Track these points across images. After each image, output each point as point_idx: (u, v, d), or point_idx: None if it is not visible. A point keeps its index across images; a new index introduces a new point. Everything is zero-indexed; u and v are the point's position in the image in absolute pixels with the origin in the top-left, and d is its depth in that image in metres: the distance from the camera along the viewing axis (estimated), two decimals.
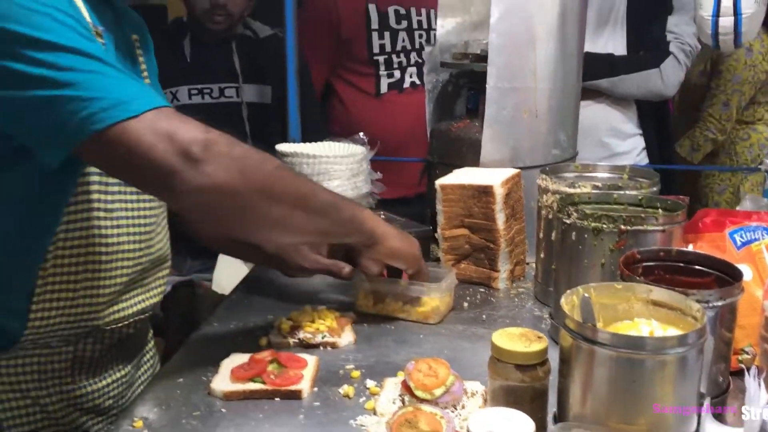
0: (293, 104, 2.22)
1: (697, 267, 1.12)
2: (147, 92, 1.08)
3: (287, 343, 1.31)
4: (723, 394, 1.09)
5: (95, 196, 1.21)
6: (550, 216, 1.44)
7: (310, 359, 1.22)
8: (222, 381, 1.16)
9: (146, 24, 1.41)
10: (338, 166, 1.78)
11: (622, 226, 1.20)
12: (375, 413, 1.08)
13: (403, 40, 2.69)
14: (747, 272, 1.18)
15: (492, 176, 1.57)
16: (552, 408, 0.99)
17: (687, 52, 2.52)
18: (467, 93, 1.87)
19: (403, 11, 2.69)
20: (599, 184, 1.48)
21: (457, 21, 1.89)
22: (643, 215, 1.24)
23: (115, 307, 1.28)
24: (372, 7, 2.66)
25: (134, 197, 1.27)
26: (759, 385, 0.91)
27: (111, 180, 1.22)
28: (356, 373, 1.20)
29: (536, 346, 0.97)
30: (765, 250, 1.23)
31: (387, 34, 2.67)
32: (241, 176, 1.08)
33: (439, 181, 1.59)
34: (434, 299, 1.40)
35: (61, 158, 1.06)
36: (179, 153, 1.03)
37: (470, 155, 1.74)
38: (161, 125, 1.04)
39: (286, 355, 1.22)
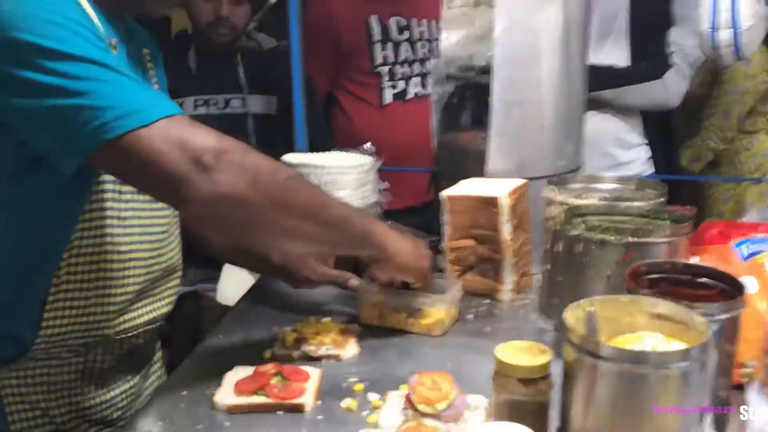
0: (300, 114, 2.23)
1: (702, 280, 1.11)
2: (160, 100, 1.09)
3: (291, 356, 1.31)
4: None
5: (109, 204, 1.22)
6: (557, 227, 1.43)
7: (314, 372, 1.22)
8: (226, 394, 1.16)
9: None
10: (346, 176, 1.79)
11: (629, 238, 1.20)
12: (377, 427, 1.07)
13: (406, 51, 2.70)
14: (753, 284, 1.18)
15: (498, 187, 1.56)
16: (554, 422, 0.99)
17: (690, 63, 2.52)
18: (473, 104, 1.87)
19: (404, 22, 2.70)
20: (606, 195, 1.48)
21: (461, 34, 1.89)
22: (650, 227, 1.24)
23: (126, 316, 1.28)
24: (373, 19, 2.66)
25: (147, 206, 1.28)
26: (761, 399, 0.91)
27: (125, 188, 1.23)
28: (359, 387, 1.20)
29: (540, 360, 0.97)
30: None
31: (389, 45, 2.67)
32: (253, 186, 1.08)
33: (445, 192, 1.59)
34: (439, 311, 1.39)
35: (75, 167, 1.07)
36: (191, 161, 1.04)
37: (476, 166, 1.74)
38: (173, 133, 1.04)
39: (290, 368, 1.22)
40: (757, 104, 3.08)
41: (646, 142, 2.64)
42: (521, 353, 0.98)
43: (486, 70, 1.75)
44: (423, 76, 2.69)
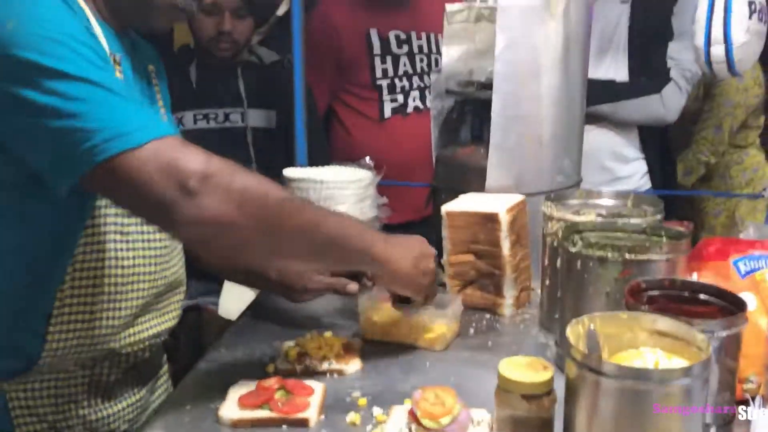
0: (300, 129, 2.24)
1: (702, 296, 1.13)
2: (152, 121, 1.10)
3: (294, 370, 1.31)
4: (728, 424, 1.10)
5: (111, 219, 1.23)
6: (555, 244, 1.44)
7: (317, 386, 1.22)
8: (230, 408, 1.16)
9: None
10: (345, 191, 1.79)
11: (627, 256, 1.21)
12: None
13: (405, 65, 2.71)
14: (751, 301, 1.19)
15: (497, 203, 1.58)
16: None
17: (688, 78, 2.54)
18: (472, 119, 1.89)
19: (403, 36, 2.71)
20: (603, 212, 1.49)
21: (462, 49, 1.91)
22: (647, 244, 1.25)
23: (131, 330, 1.29)
24: (373, 33, 2.68)
25: None
26: (764, 413, 0.92)
27: None
28: (363, 401, 1.21)
29: (542, 376, 0.98)
30: None
31: (389, 59, 2.68)
32: (239, 209, 1.07)
33: (445, 208, 1.60)
34: (441, 326, 1.40)
35: (68, 186, 1.08)
36: (177, 186, 1.03)
37: (476, 181, 1.75)
38: (162, 156, 1.04)
39: (293, 382, 1.22)
40: (749, 118, 3.11)
41: (643, 156, 2.66)
42: (524, 369, 0.99)
43: (486, 86, 1.77)
44: (422, 90, 2.71)
